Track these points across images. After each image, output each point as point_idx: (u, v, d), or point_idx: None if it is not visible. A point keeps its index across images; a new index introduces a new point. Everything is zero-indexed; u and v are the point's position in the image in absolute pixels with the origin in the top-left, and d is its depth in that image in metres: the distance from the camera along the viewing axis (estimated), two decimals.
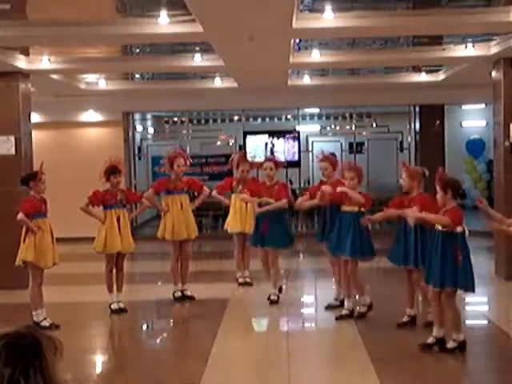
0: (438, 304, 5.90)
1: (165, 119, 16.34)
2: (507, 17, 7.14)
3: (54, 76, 10.63)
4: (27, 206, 6.82)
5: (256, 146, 15.26)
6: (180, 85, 12.45)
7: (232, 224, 9.07)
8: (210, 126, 16.44)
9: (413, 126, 15.26)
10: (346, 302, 7.24)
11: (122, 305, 7.70)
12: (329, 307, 7.65)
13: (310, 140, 15.86)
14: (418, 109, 15.06)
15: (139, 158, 15.41)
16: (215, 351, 6.08)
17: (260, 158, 14.03)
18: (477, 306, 8.06)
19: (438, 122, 14.83)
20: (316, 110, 16.67)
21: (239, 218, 8.97)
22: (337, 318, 7.14)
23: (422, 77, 12.22)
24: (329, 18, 7.08)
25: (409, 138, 15.26)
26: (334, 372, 5.75)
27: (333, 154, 8.81)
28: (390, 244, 7.14)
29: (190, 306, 8.13)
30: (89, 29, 7.50)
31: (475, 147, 17.28)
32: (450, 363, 5.75)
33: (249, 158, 9.76)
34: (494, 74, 9.58)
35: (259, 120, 16.50)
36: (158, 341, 7.04)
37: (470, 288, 5.79)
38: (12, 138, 9.30)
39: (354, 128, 15.24)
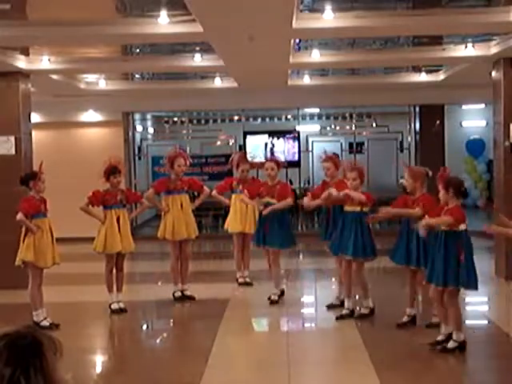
0: (440, 303, 5.91)
1: (165, 119, 16.34)
2: (507, 17, 7.14)
3: (54, 76, 10.63)
4: (26, 206, 6.82)
5: (256, 146, 15.26)
6: (180, 85, 12.45)
7: (232, 224, 9.07)
8: (210, 126, 16.44)
9: (413, 125, 15.26)
10: (346, 302, 7.24)
11: (122, 305, 7.70)
12: (330, 306, 7.66)
13: (310, 140, 15.87)
14: (418, 109, 15.06)
15: (139, 158, 15.41)
16: (215, 351, 6.08)
17: (259, 158, 14.08)
18: (477, 305, 8.07)
19: (438, 121, 14.83)
20: (316, 110, 16.67)
21: (239, 217, 8.97)
22: (337, 318, 7.14)
23: (422, 77, 12.22)
24: (329, 18, 7.08)
25: (409, 138, 15.26)
26: (334, 372, 5.75)
27: (335, 155, 8.84)
28: (389, 244, 7.15)
29: (190, 306, 8.14)
30: (89, 29, 7.50)
31: (475, 147, 17.29)
32: (451, 363, 5.75)
33: (248, 158, 9.76)
34: (494, 74, 9.58)
35: (259, 120, 16.51)
36: (157, 341, 7.04)
37: (473, 286, 5.80)
38: (12, 138, 9.30)
39: (354, 128, 15.25)
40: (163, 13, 6.94)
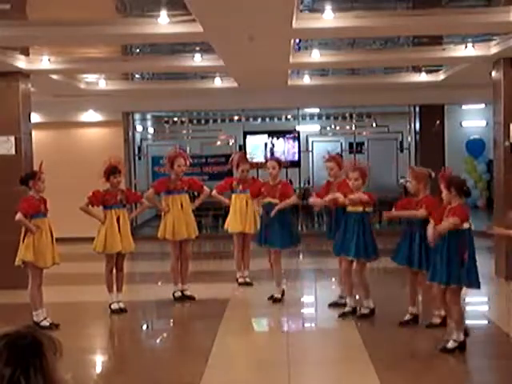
0: (444, 302, 5.91)
1: (165, 119, 16.34)
2: (507, 17, 7.14)
3: (54, 76, 10.63)
4: (26, 206, 6.81)
5: (256, 146, 15.26)
6: (180, 85, 12.45)
7: (232, 224, 9.07)
8: (210, 126, 16.44)
9: (413, 125, 15.26)
10: (348, 300, 7.26)
11: (122, 305, 7.70)
12: (333, 305, 7.66)
13: (310, 140, 15.86)
14: (418, 109, 15.06)
15: (139, 158, 15.41)
16: (215, 351, 6.08)
17: (259, 159, 14.10)
18: (477, 305, 8.07)
19: (438, 121, 14.83)
20: (316, 110, 16.67)
21: (239, 217, 8.97)
22: (340, 316, 7.15)
23: (422, 77, 12.22)
24: (329, 18, 7.08)
25: (409, 138, 15.26)
26: (334, 372, 5.75)
27: (339, 155, 8.87)
28: (390, 244, 7.15)
29: (190, 306, 8.13)
30: (89, 29, 7.50)
31: (475, 147, 17.29)
32: (451, 363, 5.75)
33: (248, 158, 9.76)
34: (493, 74, 9.58)
35: (259, 120, 16.50)
36: (157, 341, 7.04)
37: (476, 285, 5.80)
38: (12, 138, 9.30)
39: (354, 128, 15.24)
40: (163, 13, 6.94)
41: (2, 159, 9.26)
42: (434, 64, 11.52)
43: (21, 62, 9.21)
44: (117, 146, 13.71)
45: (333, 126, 16.47)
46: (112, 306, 7.66)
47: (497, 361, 5.98)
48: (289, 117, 16.46)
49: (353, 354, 6.06)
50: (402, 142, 15.28)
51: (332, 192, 7.43)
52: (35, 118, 11.51)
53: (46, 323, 6.87)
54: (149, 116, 16.90)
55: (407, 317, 6.78)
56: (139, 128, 16.05)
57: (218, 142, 15.79)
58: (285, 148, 15.38)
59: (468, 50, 9.10)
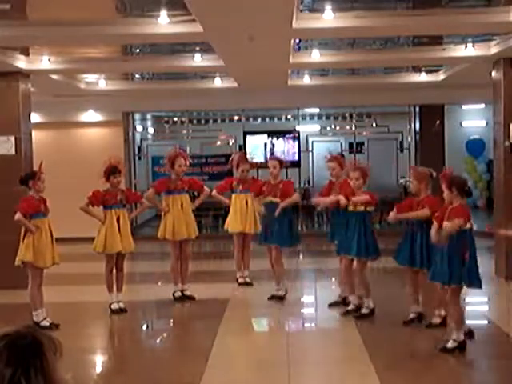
0: (446, 302, 5.91)
1: (165, 119, 16.34)
2: (507, 17, 7.14)
3: (54, 76, 10.63)
4: (25, 206, 6.81)
5: (256, 146, 15.26)
6: (180, 85, 12.45)
7: (232, 224, 9.07)
8: (210, 126, 16.43)
9: (413, 125, 15.26)
10: (351, 299, 7.29)
11: (122, 305, 7.70)
12: (333, 304, 7.66)
13: (310, 140, 15.86)
14: (418, 109, 15.06)
15: (139, 158, 15.41)
16: (215, 351, 6.08)
17: (259, 159, 14.10)
18: (477, 305, 8.07)
19: (438, 121, 14.83)
20: (316, 110, 16.66)
21: (239, 217, 8.97)
22: (343, 314, 7.18)
23: (422, 77, 12.22)
24: (329, 18, 7.08)
25: (409, 138, 15.26)
26: (335, 372, 5.75)
27: (341, 155, 8.91)
28: (390, 244, 7.16)
29: (190, 306, 8.13)
30: (89, 29, 7.50)
31: (475, 147, 17.29)
32: (451, 363, 5.75)
33: (248, 158, 9.75)
34: (493, 74, 9.58)
35: (259, 120, 16.50)
36: (157, 341, 7.04)
37: (477, 285, 5.81)
38: (12, 138, 9.30)
39: (354, 128, 15.24)
40: (163, 13, 6.94)
41: (2, 159, 9.26)
42: (434, 64, 11.52)
43: (21, 62, 9.21)
44: (117, 146, 13.71)
45: (333, 126, 16.46)
46: (112, 306, 7.66)
47: (497, 361, 5.98)
48: (289, 117, 16.45)
49: (353, 354, 6.06)
50: (401, 142, 15.29)
51: (334, 192, 7.45)
52: (35, 118, 11.51)
53: (46, 323, 6.87)
54: (149, 116, 16.89)
55: (411, 315, 6.79)
56: (139, 128, 16.05)
57: (218, 142, 15.79)
58: (285, 148, 15.37)
59: (468, 50, 9.10)
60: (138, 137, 15.64)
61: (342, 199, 7.13)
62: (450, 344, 5.83)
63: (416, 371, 5.61)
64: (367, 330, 6.75)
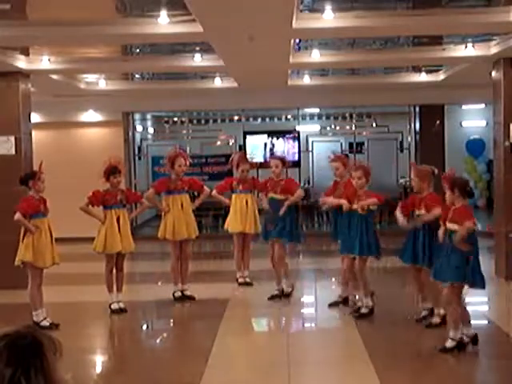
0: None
1: (165, 119, 16.34)
2: (507, 17, 7.14)
3: (54, 76, 10.63)
4: (25, 206, 6.81)
5: (256, 146, 15.25)
6: (180, 85, 12.45)
7: (232, 224, 9.07)
8: (210, 126, 16.44)
9: (413, 125, 15.26)
10: (357, 296, 7.31)
11: (122, 305, 7.69)
12: (333, 304, 7.66)
13: (310, 140, 15.87)
14: (418, 109, 15.06)
15: (139, 158, 15.41)
16: (215, 351, 6.08)
17: (258, 159, 14.10)
18: (477, 305, 8.06)
19: (438, 121, 14.82)
20: (316, 110, 16.66)
21: (239, 217, 8.97)
22: (351, 313, 7.19)
23: (422, 77, 12.22)
24: (329, 18, 7.08)
25: (409, 138, 15.26)
26: (334, 372, 5.75)
27: (345, 155, 8.97)
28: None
29: (190, 306, 8.13)
30: (89, 29, 7.50)
31: (475, 147, 17.28)
32: (451, 363, 5.75)
33: (248, 158, 9.75)
34: (493, 74, 9.58)
35: (259, 120, 16.50)
36: (157, 341, 7.04)
37: (480, 285, 5.82)
38: (12, 138, 9.30)
39: (354, 128, 15.25)
40: (163, 13, 6.94)
41: (2, 159, 9.26)
42: (434, 64, 11.52)
43: (21, 62, 9.21)
44: (117, 146, 13.71)
45: (333, 126, 16.46)
46: (112, 306, 7.66)
47: (497, 361, 5.98)
48: (289, 117, 16.45)
49: (353, 354, 6.06)
50: (402, 142, 15.28)
51: (339, 191, 7.48)
52: (35, 118, 11.51)
53: (45, 323, 6.87)
54: (149, 116, 16.89)
55: (424, 313, 6.81)
56: (139, 128, 16.05)
57: (218, 142, 15.79)
58: (285, 148, 15.37)
59: (468, 50, 9.10)
60: (138, 137, 15.64)
61: (345, 204, 7.17)
62: (449, 343, 5.83)
63: (416, 371, 5.61)
64: (367, 329, 6.75)
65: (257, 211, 9.06)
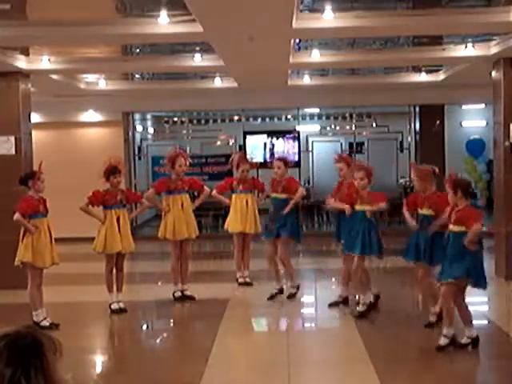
0: (455, 302, 5.92)
1: (165, 119, 16.34)
2: (507, 17, 7.14)
3: (54, 76, 10.63)
4: (24, 206, 6.81)
5: (256, 146, 15.25)
6: (180, 85, 12.45)
7: (232, 224, 9.07)
8: (210, 126, 16.44)
9: (413, 125, 15.26)
10: (362, 298, 7.31)
11: (122, 305, 7.69)
12: (333, 304, 7.67)
13: (310, 140, 15.86)
14: (418, 109, 15.05)
15: (139, 158, 15.41)
16: (215, 351, 6.08)
17: (258, 159, 14.10)
18: (477, 305, 8.06)
19: (438, 121, 14.82)
20: (316, 110, 16.66)
21: (239, 217, 8.97)
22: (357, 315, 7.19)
23: (422, 77, 12.22)
24: (329, 18, 7.08)
25: (409, 138, 15.26)
26: (334, 372, 5.75)
27: (349, 155, 9.00)
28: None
29: (190, 306, 8.13)
30: (89, 29, 7.50)
31: (475, 147, 17.28)
32: (451, 363, 5.75)
33: (248, 158, 9.75)
34: (493, 73, 9.58)
35: (259, 120, 16.50)
36: (157, 341, 7.04)
37: (483, 285, 5.83)
38: (12, 138, 9.30)
39: (354, 128, 15.24)
40: (163, 13, 6.93)
41: (2, 159, 9.26)
42: (434, 64, 11.52)
43: (21, 62, 9.20)
44: (117, 146, 13.71)
45: (333, 126, 16.46)
46: (112, 306, 7.66)
47: (497, 361, 5.98)
48: (289, 117, 16.46)
49: (353, 354, 6.06)
50: (402, 142, 15.28)
51: (343, 192, 7.51)
52: (35, 118, 11.51)
53: (45, 323, 6.86)
54: (149, 116, 16.89)
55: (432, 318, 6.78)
56: (139, 128, 16.05)
57: (218, 142, 15.79)
58: (285, 148, 15.37)
59: (468, 50, 9.10)
60: (138, 137, 15.64)
61: (348, 209, 7.19)
62: (442, 341, 5.84)
63: (416, 371, 5.62)
64: (367, 330, 6.75)
65: (257, 211, 9.07)
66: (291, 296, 8.08)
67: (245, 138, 15.33)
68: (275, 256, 8.08)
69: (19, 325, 1.66)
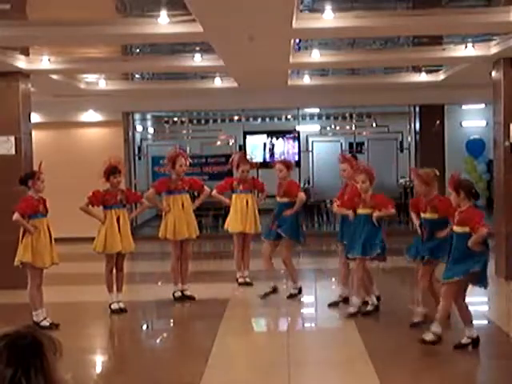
0: (455, 303, 5.92)
1: (165, 119, 16.34)
2: (507, 17, 7.14)
3: (54, 76, 10.62)
4: (23, 206, 6.80)
5: (256, 146, 15.26)
6: (180, 85, 12.45)
7: (232, 224, 9.07)
8: (210, 126, 16.44)
9: (413, 125, 15.25)
10: (368, 299, 7.34)
11: (122, 305, 7.69)
12: (333, 304, 7.67)
13: (310, 140, 15.86)
14: (418, 109, 15.05)
15: (139, 158, 15.41)
16: (215, 351, 6.08)
17: (258, 159, 14.10)
18: (477, 305, 8.06)
19: (438, 121, 14.82)
20: (316, 110, 16.66)
21: (239, 217, 8.97)
22: (362, 314, 7.20)
23: (422, 77, 12.22)
24: (329, 18, 7.08)
25: (409, 138, 15.25)
26: (334, 372, 5.75)
27: (354, 156, 9.04)
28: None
29: (190, 306, 8.13)
30: (89, 29, 7.50)
31: (475, 147, 17.28)
32: (450, 363, 5.75)
33: (248, 159, 9.75)
34: (493, 74, 9.58)
35: (259, 120, 16.50)
36: (157, 341, 7.04)
37: (484, 284, 5.85)
38: (12, 138, 9.30)
39: (354, 128, 15.24)
40: (163, 13, 6.93)
41: (2, 159, 9.26)
42: (434, 64, 11.52)
43: (21, 62, 9.20)
44: (117, 146, 13.71)
45: (333, 126, 16.46)
46: (112, 306, 7.66)
47: (497, 361, 5.98)
48: (289, 117, 16.46)
49: (353, 354, 6.05)
50: (402, 142, 15.28)
51: (346, 193, 7.52)
52: (35, 118, 11.51)
53: (45, 323, 6.86)
54: (149, 116, 16.89)
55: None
56: (139, 128, 16.05)
57: (218, 142, 15.79)
58: (285, 148, 15.37)
59: (468, 50, 9.10)
60: (138, 137, 15.64)
61: (350, 215, 7.22)
62: (428, 336, 5.85)
63: (416, 371, 5.62)
64: (367, 329, 6.75)
65: (257, 211, 9.07)
66: (292, 296, 8.08)
67: (245, 138, 15.34)
68: (272, 256, 8.11)
69: (19, 325, 1.65)
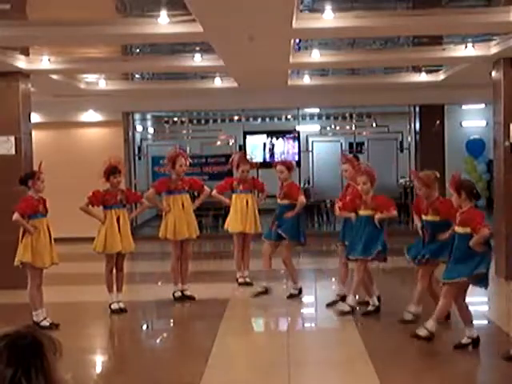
0: (456, 301, 5.91)
1: (165, 119, 16.34)
2: (507, 17, 7.14)
3: (54, 76, 10.63)
4: (23, 206, 6.80)
5: (256, 146, 15.26)
6: (180, 85, 12.45)
7: (232, 224, 9.07)
8: (210, 126, 16.44)
9: (413, 125, 15.25)
10: (370, 300, 7.34)
11: (122, 305, 7.69)
12: (332, 304, 7.67)
13: (310, 140, 15.86)
14: (418, 109, 15.05)
15: (139, 158, 15.41)
16: (215, 351, 6.08)
17: (257, 159, 14.10)
18: (477, 305, 8.06)
19: (438, 121, 14.82)
20: (316, 110, 16.67)
21: (239, 217, 8.97)
22: (363, 314, 7.18)
23: (422, 77, 12.22)
24: (329, 18, 7.08)
25: (409, 138, 15.26)
26: (334, 372, 5.75)
27: (355, 157, 9.06)
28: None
29: (190, 306, 8.13)
30: (89, 29, 7.50)
31: (475, 147, 17.28)
32: (451, 363, 5.75)
33: (248, 159, 9.75)
34: (493, 74, 9.58)
35: (259, 120, 16.50)
36: (157, 341, 7.04)
37: (485, 284, 5.86)
38: (12, 138, 9.30)
39: (354, 128, 15.24)
40: (163, 13, 6.93)
41: (2, 159, 9.26)
42: (434, 64, 11.52)
43: (21, 62, 9.20)
44: (117, 146, 13.71)
45: (333, 126, 16.46)
46: (112, 306, 7.66)
47: (497, 361, 5.97)
48: (289, 117, 16.46)
49: (353, 354, 6.05)
50: (402, 142, 15.28)
51: (348, 194, 7.53)
52: (35, 118, 11.51)
53: (45, 323, 6.86)
54: (149, 116, 16.90)
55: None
56: (139, 128, 16.05)
57: (218, 142, 15.79)
58: (285, 148, 15.37)
59: (468, 50, 9.10)
60: (138, 137, 15.64)
61: (352, 217, 7.24)
62: (422, 332, 5.85)
63: (416, 371, 5.62)
64: (367, 329, 6.75)
65: (257, 211, 9.07)
66: (292, 296, 8.08)
67: (245, 138, 15.34)
68: (272, 256, 8.11)
69: (19, 325, 1.65)
